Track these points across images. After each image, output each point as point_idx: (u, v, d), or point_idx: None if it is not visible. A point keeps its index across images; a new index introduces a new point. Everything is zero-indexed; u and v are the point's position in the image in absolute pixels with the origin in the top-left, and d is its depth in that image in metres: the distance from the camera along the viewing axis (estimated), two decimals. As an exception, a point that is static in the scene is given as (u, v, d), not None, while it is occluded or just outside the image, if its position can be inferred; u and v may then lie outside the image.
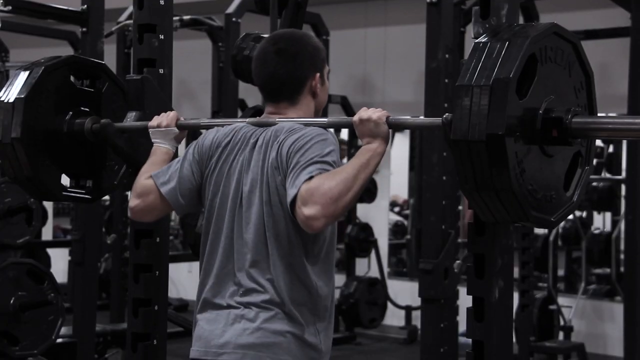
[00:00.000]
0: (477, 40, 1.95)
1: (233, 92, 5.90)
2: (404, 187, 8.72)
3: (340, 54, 7.01)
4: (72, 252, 6.01)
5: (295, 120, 2.17)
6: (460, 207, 4.99)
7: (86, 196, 2.82)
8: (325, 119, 2.18)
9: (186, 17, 6.01)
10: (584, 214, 6.93)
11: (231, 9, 5.48)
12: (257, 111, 3.18)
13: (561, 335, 5.75)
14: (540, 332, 5.55)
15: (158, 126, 2.45)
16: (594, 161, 7.33)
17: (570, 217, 6.28)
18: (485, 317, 2.10)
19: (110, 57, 5.19)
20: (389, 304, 6.79)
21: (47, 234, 8.44)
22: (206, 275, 2.18)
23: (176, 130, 2.45)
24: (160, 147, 2.44)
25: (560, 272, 6.24)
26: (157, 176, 2.25)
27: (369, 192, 7.15)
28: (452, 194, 3.88)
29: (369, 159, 2.06)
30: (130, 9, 5.78)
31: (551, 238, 5.70)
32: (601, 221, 7.08)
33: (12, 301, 3.73)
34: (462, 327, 4.19)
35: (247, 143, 2.16)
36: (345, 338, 6.62)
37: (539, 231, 5.99)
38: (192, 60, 7.31)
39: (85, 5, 4.24)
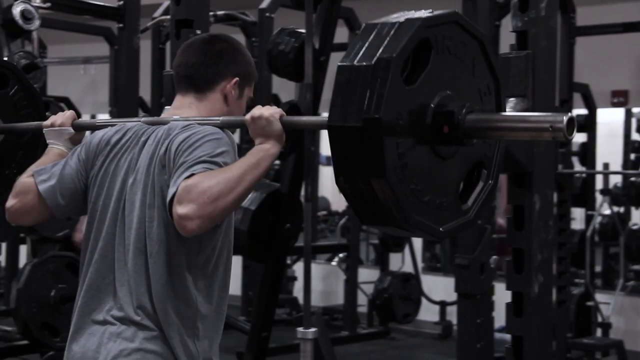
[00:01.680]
0: (367, 24, 1.74)
1: (266, 87, 5.91)
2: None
3: (374, 49, 6.98)
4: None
5: (190, 119, 1.99)
6: (495, 202, 4.96)
7: None
8: (219, 118, 2.00)
9: (220, 13, 6.03)
10: (622, 209, 6.85)
11: (265, 4, 5.48)
12: (292, 106, 3.18)
13: (599, 332, 5.69)
14: (577, 328, 5.49)
15: (52, 125, 2.24)
16: (632, 156, 7.21)
17: (608, 212, 6.21)
18: (524, 312, 2.08)
19: (145, 53, 5.23)
20: (423, 299, 6.76)
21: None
22: (82, 286, 1.97)
23: (71, 130, 2.22)
24: (54, 148, 2.22)
25: (598, 268, 6.16)
26: (38, 173, 2.05)
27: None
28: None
29: (259, 160, 1.87)
30: (165, 4, 5.81)
31: (588, 234, 5.64)
32: (639, 217, 6.99)
33: (52, 293, 3.78)
34: (497, 323, 4.19)
35: (138, 141, 1.99)
36: (379, 333, 6.61)
37: (576, 226, 5.93)
38: (226, 56, 7.32)
39: (122, 2, 4.27)
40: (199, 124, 1.95)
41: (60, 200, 2.01)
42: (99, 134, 2.06)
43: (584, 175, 5.58)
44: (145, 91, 5.71)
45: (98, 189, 1.99)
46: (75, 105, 7.30)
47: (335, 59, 3.49)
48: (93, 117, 10.00)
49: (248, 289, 6.52)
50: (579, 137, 5.84)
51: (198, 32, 2.79)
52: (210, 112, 2.03)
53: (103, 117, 8.45)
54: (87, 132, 2.24)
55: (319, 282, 7.82)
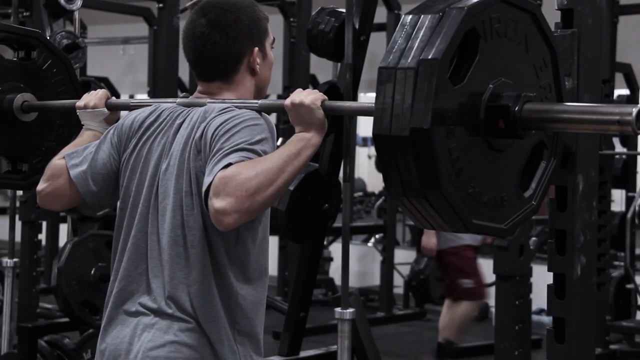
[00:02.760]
0: (407, 14, 1.60)
1: (304, 68, 5.92)
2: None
3: (412, 29, 6.93)
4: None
5: (227, 101, 1.89)
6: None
7: (20, 182, 2.57)
8: (258, 102, 1.90)
9: (259, -7, 6.03)
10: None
11: (303, -16, 5.47)
12: (331, 86, 3.18)
13: (639, 315, 5.64)
14: (616, 311, 5.44)
15: (85, 107, 2.16)
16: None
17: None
18: (566, 294, 2.06)
19: (184, 33, 5.25)
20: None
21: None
22: (115, 277, 1.89)
23: (105, 111, 2.15)
24: (88, 129, 2.15)
25: (638, 251, 6.09)
26: (69, 156, 1.96)
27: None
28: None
29: (300, 150, 1.75)
30: (204, -15, 5.82)
31: (628, 216, 5.57)
32: (681, 199, 6.88)
33: (92, 272, 3.83)
34: (534, 305, 4.16)
35: (172, 124, 1.89)
36: (415, 314, 6.61)
37: (616, 208, 5.86)
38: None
39: (162, -18, 4.28)
40: (236, 106, 1.86)
41: (92, 186, 1.94)
42: (132, 115, 1.97)
43: (624, 156, 5.50)
44: (184, 71, 5.74)
45: (130, 174, 1.91)
46: (114, 85, 7.37)
47: (375, 39, 3.48)
48: (132, 97, 10.09)
49: (284, 269, 6.56)
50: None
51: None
52: (244, 92, 1.94)
53: (141, 97, 8.51)
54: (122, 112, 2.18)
55: (355, 263, 7.84)
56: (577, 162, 2.06)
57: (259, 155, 1.73)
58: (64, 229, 5.29)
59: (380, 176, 7.46)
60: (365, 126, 9.83)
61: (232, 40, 1.89)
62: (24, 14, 4.43)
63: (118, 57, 9.02)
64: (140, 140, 1.92)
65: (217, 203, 1.66)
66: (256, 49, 1.92)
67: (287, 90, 6.16)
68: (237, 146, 1.73)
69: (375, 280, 7.15)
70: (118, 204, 1.94)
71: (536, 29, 1.67)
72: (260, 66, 1.94)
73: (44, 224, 5.90)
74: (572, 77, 2.00)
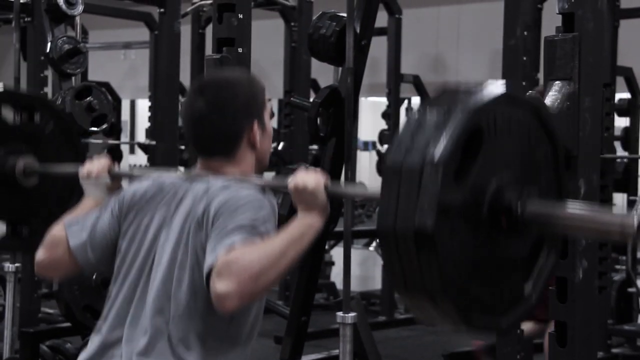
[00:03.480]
0: (413, 111, 1.61)
1: (305, 72, 5.92)
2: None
3: (412, 33, 6.94)
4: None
5: (229, 178, 1.90)
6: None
7: (20, 246, 2.58)
8: (261, 179, 1.92)
9: (260, -3, 6.04)
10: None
11: (304, -12, 5.47)
12: (332, 91, 3.18)
13: (640, 319, 5.64)
14: (618, 315, 5.43)
15: (88, 175, 2.18)
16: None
17: (650, 198, 6.12)
18: (568, 297, 2.07)
19: (185, 38, 5.26)
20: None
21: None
22: (99, 330, 1.89)
23: (108, 180, 2.18)
24: (90, 197, 2.17)
25: (639, 255, 6.08)
26: (70, 226, 1.97)
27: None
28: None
29: (302, 234, 1.77)
30: (205, -11, 5.83)
31: (630, 219, 5.56)
32: (682, 203, 6.87)
33: (94, 277, 3.82)
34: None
35: (174, 197, 1.90)
36: (416, 318, 6.60)
37: (618, 212, 5.86)
38: (264, 40, 7.37)
39: (163, -13, 4.29)
40: (238, 183, 1.87)
41: (90, 257, 1.94)
42: (135, 186, 1.98)
43: (626, 160, 5.50)
44: (184, 76, 5.75)
45: (128, 242, 1.91)
46: (115, 90, 7.38)
47: (376, 43, 3.49)
48: (133, 102, 10.10)
49: (286, 273, 6.55)
50: (622, 122, 5.76)
51: (240, 16, 2.79)
52: (244, 167, 1.94)
53: (143, 101, 8.52)
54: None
55: (357, 267, 7.83)
56: (579, 166, 2.06)
57: (262, 236, 1.74)
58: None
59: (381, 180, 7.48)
60: (366, 130, 9.83)
61: (231, 119, 1.91)
62: (26, 19, 4.44)
63: (119, 62, 9.03)
64: (141, 211, 1.92)
65: (219, 286, 1.65)
66: (255, 124, 1.94)
67: (288, 94, 6.16)
68: (240, 226, 1.73)
69: (376, 284, 7.15)
70: (114, 271, 1.93)
71: (538, 124, 1.68)
72: (260, 139, 1.95)
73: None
74: (573, 81, 2.01)
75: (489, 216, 1.57)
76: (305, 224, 1.79)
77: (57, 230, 1.98)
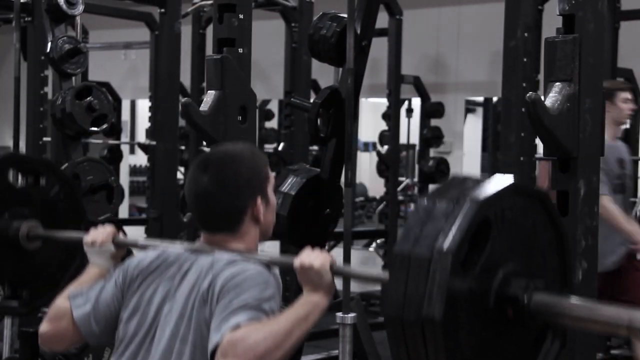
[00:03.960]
0: (422, 199, 1.67)
1: (306, 73, 5.92)
2: (477, 168, 8.63)
3: (413, 34, 6.95)
4: (149, 230, 6.14)
5: (235, 253, 1.91)
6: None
7: (20, 309, 2.58)
8: (267, 256, 1.93)
9: (261, -2, 6.05)
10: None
11: (305, -11, 5.48)
12: (333, 91, 3.18)
13: (639, 320, 5.63)
14: (617, 316, 5.43)
15: (92, 243, 2.17)
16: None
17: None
18: (568, 299, 2.07)
19: (185, 38, 5.26)
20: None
21: (123, 212, 8.64)
22: None
23: (112, 248, 2.17)
24: (95, 266, 2.16)
25: (639, 257, 6.08)
26: (74, 297, 1.98)
27: (441, 173, 7.09)
28: (528, 174, 3.82)
29: (307, 314, 1.78)
30: (206, -10, 5.83)
31: (630, 221, 5.57)
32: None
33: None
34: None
35: (179, 269, 1.91)
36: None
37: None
38: (265, 41, 7.38)
39: (163, -13, 4.30)
40: (244, 259, 1.88)
41: (94, 328, 1.95)
42: (139, 256, 1.99)
43: (626, 162, 5.50)
44: (185, 76, 5.75)
45: (131, 313, 1.92)
46: (115, 90, 7.38)
47: (376, 44, 3.49)
48: (133, 102, 10.10)
49: (285, 274, 6.56)
50: (622, 124, 5.76)
51: (241, 16, 2.79)
52: (249, 241, 1.96)
53: (143, 101, 8.52)
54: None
55: (357, 267, 7.83)
56: (579, 167, 2.06)
57: (267, 314, 1.75)
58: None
59: (381, 181, 7.47)
60: (367, 131, 9.84)
61: (235, 197, 1.92)
62: (26, 19, 4.44)
63: (120, 62, 9.03)
64: (145, 283, 1.93)
65: None
66: (259, 198, 1.95)
67: (288, 94, 6.16)
68: (246, 305, 1.74)
69: (376, 285, 7.16)
70: (116, 342, 1.95)
71: (545, 213, 1.71)
72: (264, 213, 1.96)
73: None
74: (574, 82, 2.01)
75: (495, 306, 1.60)
76: (310, 304, 1.80)
77: (61, 302, 1.99)
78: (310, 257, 1.83)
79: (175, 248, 1.99)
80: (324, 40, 3.11)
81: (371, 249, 7.82)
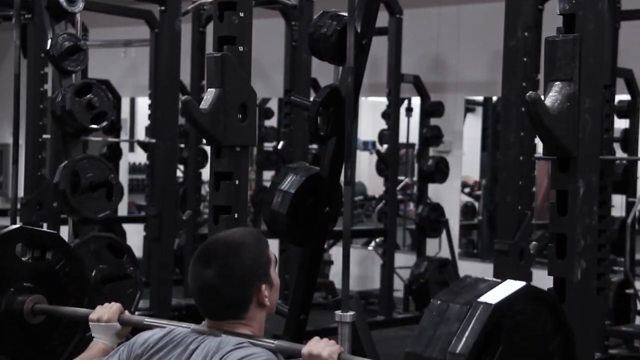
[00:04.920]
0: (435, 300, 1.72)
1: (306, 71, 5.92)
2: (476, 167, 8.63)
3: (413, 33, 6.94)
4: (148, 227, 6.14)
5: (243, 336, 1.93)
6: (534, 189, 4.92)
7: None
8: (274, 342, 1.94)
9: (261, -4, 6.04)
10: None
11: (305, -13, 5.47)
12: (333, 90, 3.18)
13: (638, 320, 5.63)
14: (616, 316, 5.44)
15: (98, 320, 2.19)
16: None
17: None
18: (566, 298, 2.07)
19: (185, 36, 5.26)
20: (460, 285, 6.76)
21: (122, 209, 8.63)
22: None
23: (118, 325, 2.19)
24: (99, 342, 2.18)
25: (638, 256, 6.09)
26: None
27: (440, 172, 7.10)
28: (527, 174, 3.83)
29: None
30: (206, -12, 5.83)
31: (629, 221, 5.57)
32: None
33: (93, 274, 3.83)
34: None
35: (186, 349, 1.93)
36: (415, 318, 6.60)
37: (616, 213, 5.86)
38: (264, 39, 7.38)
39: (164, -15, 4.29)
40: (251, 343, 1.90)
41: None
42: (145, 334, 2.00)
43: (625, 162, 5.51)
44: (185, 74, 5.75)
45: None
46: (115, 87, 7.37)
47: (376, 43, 3.48)
48: (133, 100, 10.10)
49: (285, 272, 6.57)
50: (621, 123, 5.76)
51: (241, 14, 2.79)
52: (255, 326, 1.96)
53: (143, 99, 8.51)
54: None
55: (355, 266, 7.84)
56: (578, 167, 2.06)
57: None
58: (64, 231, 5.30)
59: (380, 180, 7.47)
60: (366, 130, 9.83)
61: (240, 288, 1.93)
62: (26, 16, 4.44)
63: (119, 59, 9.02)
64: (151, 359, 1.94)
65: None
66: (263, 285, 1.96)
67: (288, 93, 6.17)
68: None
69: (375, 283, 7.15)
70: None
71: (554, 317, 1.76)
72: (269, 297, 1.97)
73: (45, 225, 5.91)
74: (574, 82, 2.01)
75: None
76: None
77: None
78: (319, 347, 1.86)
79: (182, 329, 1.99)
80: (324, 39, 3.11)
81: (370, 247, 7.82)
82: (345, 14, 3.00)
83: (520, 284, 1.68)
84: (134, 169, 10.33)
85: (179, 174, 7.11)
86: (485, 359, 1.61)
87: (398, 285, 6.68)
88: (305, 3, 5.48)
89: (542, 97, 2.06)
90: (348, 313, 2.84)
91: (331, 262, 7.38)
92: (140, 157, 9.15)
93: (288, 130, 6.15)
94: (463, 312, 1.61)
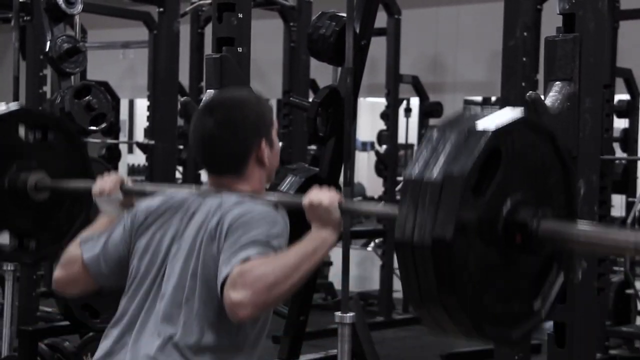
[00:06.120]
0: (433, 129, 1.68)
1: (304, 72, 5.92)
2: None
3: (411, 33, 6.94)
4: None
5: (244, 194, 1.95)
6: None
7: (28, 259, 2.63)
8: (274, 196, 1.99)
9: (259, -3, 6.04)
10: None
11: (304, -12, 5.47)
12: (332, 91, 3.18)
13: (638, 320, 5.63)
14: (616, 316, 5.44)
15: (101, 193, 2.22)
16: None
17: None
18: (567, 298, 2.07)
19: (183, 38, 5.25)
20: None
21: (121, 211, 8.61)
22: (108, 334, 1.95)
23: (120, 196, 2.22)
24: (105, 213, 2.22)
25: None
26: (84, 243, 2.03)
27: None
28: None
29: (315, 248, 1.81)
30: (204, -11, 5.83)
31: (629, 221, 5.57)
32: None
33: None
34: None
35: (187, 211, 1.95)
36: (414, 319, 6.58)
37: (616, 213, 5.86)
38: (263, 40, 7.38)
39: (162, -14, 4.29)
40: (251, 199, 1.91)
41: (103, 269, 1.99)
42: (147, 202, 2.03)
43: (625, 162, 5.51)
44: (183, 76, 5.74)
45: (142, 253, 1.96)
46: (114, 89, 7.37)
47: (375, 43, 3.48)
48: (131, 102, 10.10)
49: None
50: (621, 123, 5.76)
51: (240, 15, 2.79)
52: (254, 183, 1.99)
53: (142, 101, 8.51)
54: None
55: (355, 267, 7.83)
56: (579, 167, 2.06)
57: (275, 250, 1.79)
58: (63, 233, 5.30)
59: (379, 181, 7.46)
60: (365, 131, 9.83)
61: (241, 139, 1.96)
62: (25, 18, 4.43)
63: (118, 61, 9.02)
64: (154, 224, 1.97)
65: (234, 295, 1.71)
66: (263, 141, 1.98)
67: (287, 94, 6.16)
68: (255, 241, 1.78)
69: (374, 284, 7.15)
70: (127, 282, 1.98)
71: (553, 149, 1.74)
72: (269, 157, 2.00)
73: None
74: (574, 82, 2.01)
75: (504, 233, 1.63)
76: (319, 239, 1.84)
77: (73, 248, 2.04)
78: (319, 195, 1.87)
79: (183, 192, 2.02)
80: (322, 40, 3.11)
81: (369, 248, 7.82)
82: (344, 14, 3.00)
83: (519, 112, 1.67)
84: (133, 170, 10.32)
85: (178, 175, 7.10)
86: (484, 182, 1.60)
87: (397, 285, 6.67)
88: (303, 4, 5.48)
89: (542, 97, 2.06)
90: (348, 314, 2.84)
91: (330, 263, 7.38)
92: (139, 158, 9.14)
93: (287, 131, 6.15)
94: (461, 139, 1.59)
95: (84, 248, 2.02)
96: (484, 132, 1.58)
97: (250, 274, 1.71)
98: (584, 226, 1.69)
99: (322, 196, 1.87)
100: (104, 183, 2.23)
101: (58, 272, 2.04)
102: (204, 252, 1.85)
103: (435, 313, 1.62)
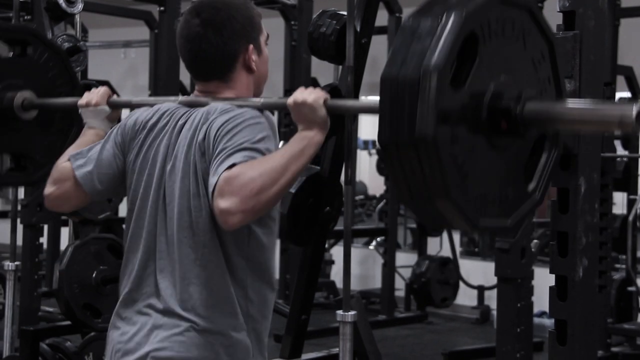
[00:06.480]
0: (407, 19, 1.60)
1: (305, 71, 5.93)
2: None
3: (413, 32, 6.93)
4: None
5: (228, 100, 1.92)
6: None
7: (24, 179, 2.60)
8: (260, 100, 1.92)
9: (260, -4, 6.04)
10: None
11: (304, -13, 5.47)
12: (333, 89, 3.17)
13: (640, 318, 5.64)
14: (618, 314, 5.44)
15: (87, 105, 2.19)
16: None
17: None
18: (568, 296, 2.06)
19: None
20: (461, 284, 6.75)
21: (122, 210, 8.63)
22: (124, 276, 1.94)
23: (107, 109, 2.19)
24: (91, 128, 2.18)
25: (639, 254, 6.09)
26: (74, 158, 1.99)
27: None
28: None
29: (303, 148, 1.78)
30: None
31: (630, 218, 5.57)
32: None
33: (94, 275, 3.83)
34: (536, 307, 4.16)
35: (175, 125, 1.91)
36: (416, 317, 6.60)
37: (617, 211, 5.86)
38: (264, 39, 7.38)
39: (163, -15, 4.29)
40: (238, 105, 1.88)
41: (98, 186, 1.97)
42: (135, 115, 2.00)
43: (626, 159, 5.50)
44: (185, 75, 5.74)
45: (138, 175, 1.93)
46: (115, 88, 7.37)
47: (376, 42, 3.48)
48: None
49: (286, 272, 6.56)
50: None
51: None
52: (242, 89, 1.96)
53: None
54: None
55: (357, 266, 7.83)
56: (579, 165, 2.06)
57: (262, 154, 1.75)
58: (65, 232, 5.30)
59: (381, 179, 7.47)
60: (366, 129, 9.83)
61: (227, 39, 1.91)
62: (25, 17, 4.43)
63: (119, 60, 9.02)
64: (145, 142, 1.94)
65: (221, 203, 1.68)
66: (251, 46, 1.94)
67: (288, 93, 6.17)
68: (240, 146, 1.75)
69: (376, 283, 7.15)
70: (127, 204, 1.96)
71: (533, 24, 1.69)
72: (257, 63, 1.96)
73: (46, 227, 5.91)
74: (574, 79, 2.00)
75: (488, 119, 1.59)
76: (306, 139, 1.81)
77: (62, 164, 2.00)
78: (304, 94, 1.84)
79: (169, 104, 1.98)
80: (323, 38, 3.10)
81: (371, 247, 7.82)
82: (345, 13, 2.99)
83: None
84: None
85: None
86: (462, 70, 1.55)
87: (399, 284, 6.67)
88: (304, 2, 5.48)
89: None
90: (349, 313, 2.83)
91: (332, 262, 7.38)
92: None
93: (288, 130, 6.15)
94: (435, 26, 1.52)
95: (75, 165, 1.97)
96: (457, 15, 1.52)
97: (237, 180, 1.68)
98: (568, 103, 1.65)
99: (306, 94, 1.84)
100: (91, 96, 2.20)
101: (49, 189, 1.99)
102: (200, 168, 1.82)
103: (429, 210, 1.59)
